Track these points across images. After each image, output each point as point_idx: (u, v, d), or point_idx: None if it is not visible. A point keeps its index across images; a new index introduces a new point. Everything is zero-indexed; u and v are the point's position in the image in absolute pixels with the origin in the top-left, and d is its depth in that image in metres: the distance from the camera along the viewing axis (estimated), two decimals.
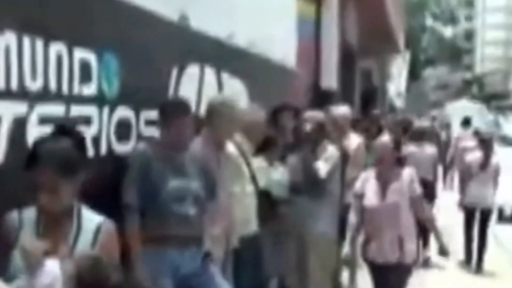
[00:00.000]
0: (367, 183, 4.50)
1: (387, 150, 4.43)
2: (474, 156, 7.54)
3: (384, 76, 21.43)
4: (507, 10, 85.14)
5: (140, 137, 3.41)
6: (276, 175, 4.70)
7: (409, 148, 7.04)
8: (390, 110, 25.62)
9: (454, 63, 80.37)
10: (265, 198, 4.34)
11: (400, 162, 4.50)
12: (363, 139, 6.19)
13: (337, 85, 10.28)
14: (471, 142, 9.21)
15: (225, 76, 4.72)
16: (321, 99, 9.58)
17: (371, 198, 4.44)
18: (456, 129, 21.11)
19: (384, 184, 4.42)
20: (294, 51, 7.01)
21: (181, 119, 3.26)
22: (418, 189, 4.41)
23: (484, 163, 7.33)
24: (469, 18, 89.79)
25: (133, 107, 3.35)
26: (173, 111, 3.28)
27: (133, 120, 3.38)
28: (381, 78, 20.69)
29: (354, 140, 5.89)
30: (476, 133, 9.61)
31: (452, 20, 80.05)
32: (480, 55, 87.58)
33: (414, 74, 59.02)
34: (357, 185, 4.57)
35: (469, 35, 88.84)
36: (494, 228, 9.33)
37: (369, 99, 18.39)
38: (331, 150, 4.80)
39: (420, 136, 7.57)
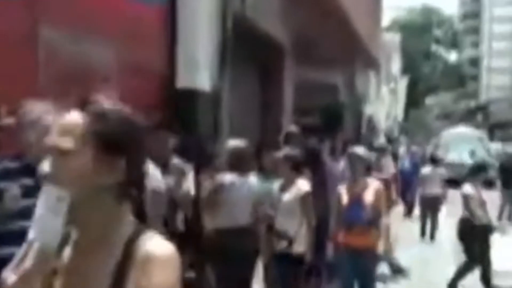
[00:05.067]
0: None
1: None
2: None
3: (356, 93, 17.56)
4: None
5: None
6: None
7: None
8: (371, 132, 22.00)
9: (458, 91, 76.64)
10: None
11: None
12: None
13: (225, 88, 6.45)
14: None
15: None
16: (176, 102, 5.78)
17: None
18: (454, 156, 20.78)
19: None
20: None
21: None
22: None
23: None
24: (475, 44, 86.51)
25: None
26: None
27: None
28: (351, 94, 16.81)
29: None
30: None
31: (455, 44, 76.41)
32: (486, 82, 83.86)
33: (413, 101, 55.41)
34: None
35: (475, 62, 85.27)
36: None
37: (333, 117, 14.79)
38: None
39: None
